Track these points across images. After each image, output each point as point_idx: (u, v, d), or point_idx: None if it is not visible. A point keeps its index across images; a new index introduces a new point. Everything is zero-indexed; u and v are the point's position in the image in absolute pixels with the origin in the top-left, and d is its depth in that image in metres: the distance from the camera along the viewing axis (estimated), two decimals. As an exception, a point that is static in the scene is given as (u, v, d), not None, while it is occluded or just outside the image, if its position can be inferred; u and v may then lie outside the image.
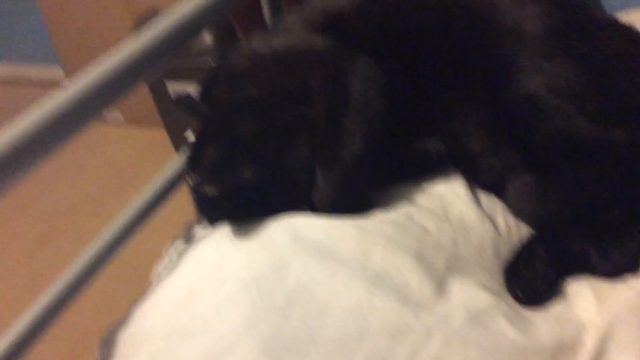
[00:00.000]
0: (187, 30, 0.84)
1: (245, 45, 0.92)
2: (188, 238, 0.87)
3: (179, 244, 0.87)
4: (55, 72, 3.13)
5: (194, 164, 0.81)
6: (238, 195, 0.78)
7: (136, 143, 2.84)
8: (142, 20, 1.98)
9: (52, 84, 3.30)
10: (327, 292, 0.68)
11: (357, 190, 0.81)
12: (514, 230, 0.84)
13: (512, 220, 0.85)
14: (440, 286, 0.72)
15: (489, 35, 0.88)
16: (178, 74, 2.17)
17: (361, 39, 0.90)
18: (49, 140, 0.64)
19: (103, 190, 2.57)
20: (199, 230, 0.86)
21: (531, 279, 0.74)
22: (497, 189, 0.88)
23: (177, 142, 2.24)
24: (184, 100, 0.84)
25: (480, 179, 0.90)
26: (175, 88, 2.24)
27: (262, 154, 0.80)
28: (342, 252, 0.73)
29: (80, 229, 2.27)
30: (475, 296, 0.71)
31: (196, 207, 0.83)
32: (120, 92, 0.73)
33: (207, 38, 2.16)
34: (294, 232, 0.76)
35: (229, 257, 0.72)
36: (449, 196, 0.85)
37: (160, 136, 2.65)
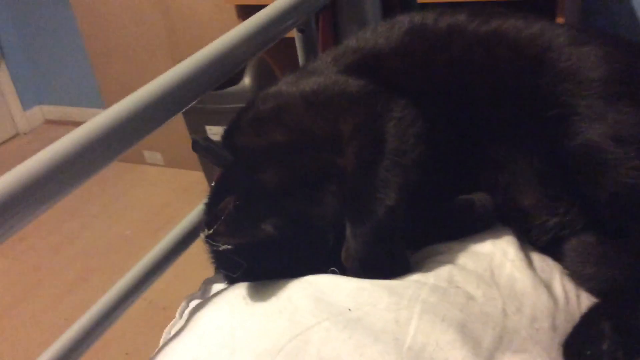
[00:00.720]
0: (224, 64, 0.82)
1: (273, 87, 0.85)
2: (205, 295, 0.79)
3: (194, 302, 0.79)
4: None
5: (209, 212, 0.74)
6: (256, 251, 0.70)
7: (174, 184, 2.83)
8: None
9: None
10: (353, 369, 0.58)
11: (391, 249, 0.71)
12: (573, 298, 0.72)
13: (571, 287, 0.74)
14: (486, 365, 0.61)
15: (542, 78, 0.79)
16: (217, 119, 2.14)
17: (399, 80, 0.82)
18: (81, 168, 0.65)
19: (139, 230, 2.55)
20: (216, 287, 0.78)
21: None
22: (553, 250, 0.78)
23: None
24: (201, 144, 0.77)
25: (534, 238, 0.79)
26: (214, 131, 2.21)
27: (285, 205, 0.72)
28: (371, 319, 0.63)
29: (115, 269, 2.25)
30: (528, 379, 0.60)
31: (212, 262, 0.75)
32: (155, 123, 0.73)
33: (247, 81, 2.13)
34: (317, 294, 0.67)
35: (242, 322, 0.64)
36: (497, 257, 0.75)
37: (198, 178, 2.63)
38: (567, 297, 0.72)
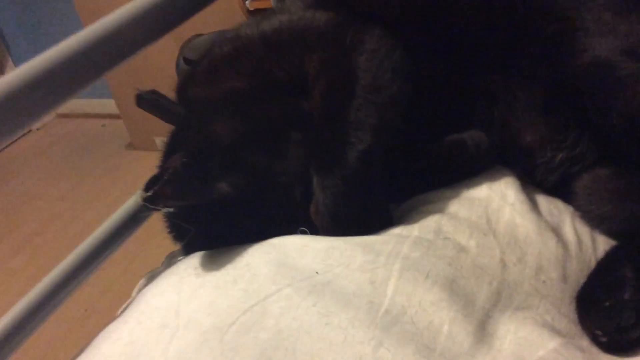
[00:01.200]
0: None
1: (231, 31, 0.75)
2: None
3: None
4: (109, 105, 3.15)
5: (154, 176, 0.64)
6: (210, 214, 0.61)
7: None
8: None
9: (106, 116, 3.32)
10: (317, 342, 0.49)
11: (366, 200, 0.61)
12: (587, 243, 0.61)
13: (584, 230, 0.63)
14: (481, 329, 0.51)
15: None
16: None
17: (373, 8, 0.71)
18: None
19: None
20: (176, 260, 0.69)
21: (617, 313, 0.52)
22: (561, 190, 0.67)
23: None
24: (147, 97, 0.67)
25: (538, 178, 0.68)
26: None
27: (243, 159, 0.62)
28: (342, 282, 0.54)
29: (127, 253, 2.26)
30: (534, 341, 0.50)
31: (168, 230, 0.67)
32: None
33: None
34: (280, 258, 0.57)
35: (189, 297, 0.54)
36: (494, 202, 0.64)
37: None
38: (579, 242, 0.61)
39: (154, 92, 0.68)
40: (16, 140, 3.36)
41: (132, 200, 0.78)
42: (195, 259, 0.60)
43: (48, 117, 3.54)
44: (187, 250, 0.64)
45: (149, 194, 0.54)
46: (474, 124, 0.69)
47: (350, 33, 0.66)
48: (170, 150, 0.68)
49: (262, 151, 0.62)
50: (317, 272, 0.55)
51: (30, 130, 3.46)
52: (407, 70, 0.65)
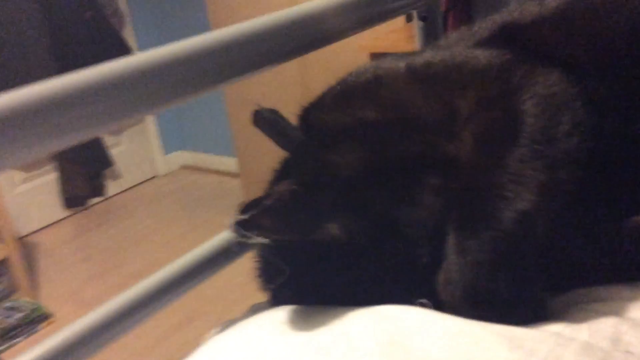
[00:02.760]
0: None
1: (372, 62, 0.65)
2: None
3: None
4: (231, 163, 3.22)
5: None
6: (310, 260, 0.48)
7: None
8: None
9: (227, 174, 3.38)
10: None
11: (516, 278, 0.46)
12: None
13: None
14: None
15: None
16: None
17: (551, 50, 0.57)
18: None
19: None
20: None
21: None
22: None
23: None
24: (266, 116, 0.58)
25: None
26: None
27: (364, 200, 0.49)
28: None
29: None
30: None
31: (257, 273, 0.55)
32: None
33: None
34: (390, 334, 0.42)
35: (268, 357, 0.41)
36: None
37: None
38: None
39: (273, 112, 0.59)
40: (142, 183, 3.52)
41: (226, 233, 0.68)
42: (284, 312, 0.47)
43: (174, 165, 3.69)
44: (276, 301, 0.51)
45: (244, 216, 0.43)
46: None
47: (519, 72, 0.53)
48: (278, 177, 0.58)
49: (388, 193, 0.50)
50: (440, 363, 0.40)
51: (155, 176, 3.61)
52: (590, 125, 0.50)
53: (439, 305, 0.47)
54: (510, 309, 0.45)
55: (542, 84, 0.52)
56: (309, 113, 0.60)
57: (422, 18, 0.83)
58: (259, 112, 0.59)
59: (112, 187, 3.37)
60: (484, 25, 0.65)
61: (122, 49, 3.07)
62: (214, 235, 0.69)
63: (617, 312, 0.46)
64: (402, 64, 0.59)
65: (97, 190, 3.27)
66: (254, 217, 0.43)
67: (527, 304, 0.46)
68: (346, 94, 0.59)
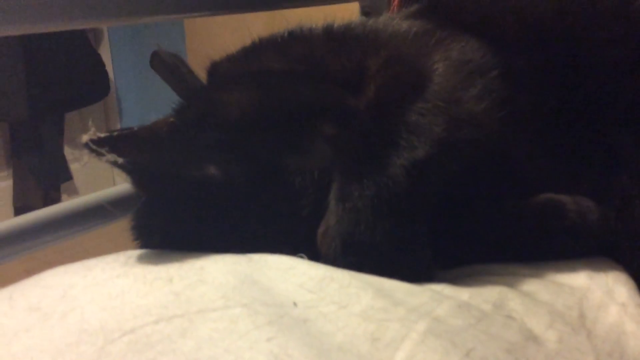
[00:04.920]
0: None
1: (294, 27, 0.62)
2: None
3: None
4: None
5: None
6: (185, 201, 0.44)
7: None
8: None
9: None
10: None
11: (398, 232, 0.41)
12: None
13: None
14: None
15: None
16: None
17: (479, 24, 0.55)
18: None
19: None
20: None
21: None
22: None
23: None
24: (164, 58, 0.54)
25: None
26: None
27: (249, 143, 0.45)
28: (328, 326, 0.33)
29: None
30: None
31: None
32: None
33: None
34: (249, 273, 0.38)
35: (94, 283, 0.35)
36: (595, 295, 0.42)
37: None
38: None
39: (175, 56, 0.55)
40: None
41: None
42: (138, 251, 0.42)
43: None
44: (143, 245, 0.46)
45: (101, 134, 0.38)
46: (583, 189, 0.49)
47: (435, 38, 0.51)
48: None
49: (277, 139, 0.46)
50: (295, 304, 0.35)
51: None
52: (504, 97, 0.47)
53: (317, 259, 0.42)
54: (390, 264, 0.40)
55: (458, 50, 0.50)
56: (218, 66, 0.57)
57: (365, 13, 0.81)
58: (158, 54, 0.54)
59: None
60: (417, 3, 0.63)
61: (96, 64, 3.03)
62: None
63: (509, 284, 0.42)
64: (320, 27, 0.57)
65: (51, 203, 3.16)
66: (111, 136, 0.39)
67: (409, 260, 0.41)
68: (258, 48, 0.56)
